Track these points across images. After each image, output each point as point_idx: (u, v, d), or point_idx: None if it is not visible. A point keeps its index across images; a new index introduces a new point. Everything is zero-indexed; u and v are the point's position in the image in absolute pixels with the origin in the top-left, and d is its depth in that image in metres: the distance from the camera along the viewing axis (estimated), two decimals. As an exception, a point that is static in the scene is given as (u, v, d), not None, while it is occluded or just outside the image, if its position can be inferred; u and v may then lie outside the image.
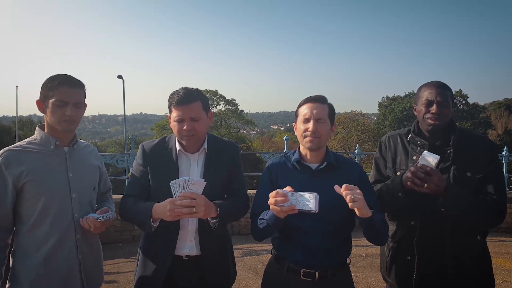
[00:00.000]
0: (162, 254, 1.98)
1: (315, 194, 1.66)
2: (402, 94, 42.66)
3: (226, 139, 2.19)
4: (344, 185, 1.66)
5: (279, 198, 1.65)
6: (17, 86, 28.14)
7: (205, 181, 1.77)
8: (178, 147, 1.99)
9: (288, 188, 1.69)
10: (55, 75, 1.85)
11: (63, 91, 1.80)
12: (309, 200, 1.65)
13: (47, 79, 1.85)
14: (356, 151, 7.66)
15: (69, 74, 1.87)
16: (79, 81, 1.88)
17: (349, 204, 1.63)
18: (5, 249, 1.80)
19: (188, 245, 1.98)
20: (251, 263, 4.99)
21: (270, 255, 2.03)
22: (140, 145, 2.08)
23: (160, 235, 1.94)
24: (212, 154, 2.02)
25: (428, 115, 2.00)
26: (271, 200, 1.68)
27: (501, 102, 44.65)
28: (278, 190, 1.68)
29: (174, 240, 1.96)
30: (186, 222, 1.97)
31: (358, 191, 1.64)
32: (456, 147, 1.98)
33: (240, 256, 5.24)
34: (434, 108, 1.97)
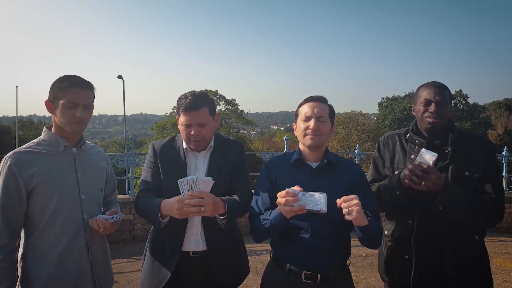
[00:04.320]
0: (169, 249, 2.00)
1: (324, 194, 1.67)
2: (402, 94, 42.61)
3: (231, 138, 2.23)
4: (341, 198, 1.66)
5: (290, 198, 1.64)
6: (17, 86, 28.03)
7: (213, 179, 1.79)
8: (185, 145, 2.05)
9: (297, 188, 1.68)
10: (65, 76, 1.84)
11: (74, 92, 1.80)
12: (319, 200, 1.66)
13: (58, 79, 1.84)
14: (356, 151, 7.67)
15: (79, 76, 1.86)
16: (89, 83, 1.88)
17: (345, 217, 1.64)
18: (16, 251, 1.80)
19: (194, 239, 2.00)
20: (251, 263, 4.94)
21: (269, 258, 2.00)
22: (150, 144, 2.15)
23: (167, 230, 1.96)
24: (217, 152, 2.07)
25: (426, 114, 2.01)
26: (280, 200, 1.67)
27: (501, 102, 44.55)
28: (287, 189, 1.67)
29: (181, 234, 1.98)
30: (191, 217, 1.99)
31: (355, 201, 1.63)
32: (455, 146, 1.98)
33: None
34: (432, 107, 1.98)
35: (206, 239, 2.00)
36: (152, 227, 2.12)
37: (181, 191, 1.77)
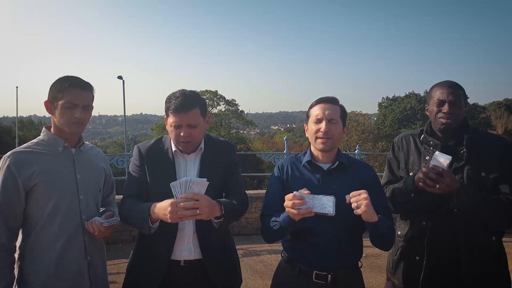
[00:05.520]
0: (158, 259, 1.91)
1: (332, 197, 1.67)
2: (402, 94, 42.59)
3: (222, 139, 2.15)
4: (350, 194, 1.67)
5: (297, 201, 1.64)
6: (17, 87, 28.09)
7: (207, 180, 1.72)
8: (173, 148, 1.96)
9: (304, 191, 1.68)
10: (65, 77, 1.85)
11: (73, 93, 1.80)
12: (326, 203, 1.66)
13: (57, 80, 1.84)
14: (356, 151, 7.67)
15: (79, 76, 1.86)
16: (89, 84, 1.88)
17: (354, 211, 1.65)
18: (14, 252, 1.79)
19: (186, 247, 1.92)
20: (251, 264, 4.97)
21: (280, 258, 2.00)
22: (135, 146, 2.04)
23: (156, 237, 1.88)
24: (208, 154, 1.99)
25: (440, 115, 1.98)
26: (287, 203, 1.67)
27: (501, 102, 44.43)
28: (295, 192, 1.67)
29: (171, 242, 1.90)
30: (183, 224, 1.92)
31: (364, 195, 1.64)
32: (470, 146, 1.95)
33: (240, 257, 5.20)
34: (445, 107, 1.96)
35: (200, 247, 1.92)
36: (138, 235, 2.05)
37: (174, 194, 1.69)
